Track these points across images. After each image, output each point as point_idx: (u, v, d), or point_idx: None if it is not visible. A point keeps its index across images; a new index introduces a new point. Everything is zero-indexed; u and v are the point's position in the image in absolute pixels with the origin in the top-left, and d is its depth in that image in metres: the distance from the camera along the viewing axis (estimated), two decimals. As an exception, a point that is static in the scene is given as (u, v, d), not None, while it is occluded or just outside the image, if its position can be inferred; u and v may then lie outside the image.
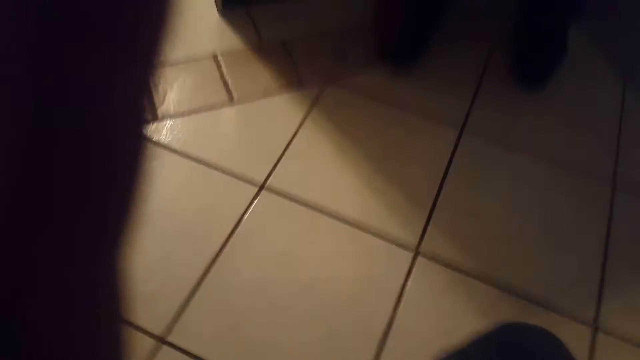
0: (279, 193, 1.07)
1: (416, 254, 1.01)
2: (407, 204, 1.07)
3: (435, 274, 0.99)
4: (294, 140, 1.15)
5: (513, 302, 0.96)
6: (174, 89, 1.23)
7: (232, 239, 1.01)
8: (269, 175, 1.10)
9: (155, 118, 1.18)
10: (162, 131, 1.15)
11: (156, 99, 1.21)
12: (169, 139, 1.14)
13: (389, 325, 0.92)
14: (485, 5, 1.40)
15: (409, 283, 0.97)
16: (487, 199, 1.09)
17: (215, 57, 1.29)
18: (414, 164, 1.13)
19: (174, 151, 1.13)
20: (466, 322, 0.93)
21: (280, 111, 1.20)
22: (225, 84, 1.24)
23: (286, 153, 1.13)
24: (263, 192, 1.07)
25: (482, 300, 0.96)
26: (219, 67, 1.27)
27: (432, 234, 1.03)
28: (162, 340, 0.89)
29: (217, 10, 1.38)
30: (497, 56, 1.32)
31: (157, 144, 1.14)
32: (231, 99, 1.22)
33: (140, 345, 0.88)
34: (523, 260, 1.02)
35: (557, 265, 1.02)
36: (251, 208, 1.05)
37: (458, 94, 1.25)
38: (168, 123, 1.17)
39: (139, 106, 0.21)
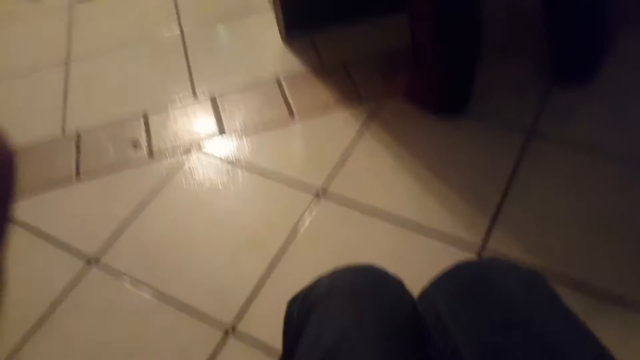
0: (338, 199, 1.09)
1: (479, 255, 0.97)
2: (469, 208, 1.04)
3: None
4: (353, 151, 1.18)
5: (586, 300, 0.88)
6: (240, 110, 1.31)
7: (293, 242, 1.03)
8: (329, 182, 1.12)
9: (222, 131, 1.26)
10: (230, 147, 1.23)
11: (223, 115, 1.29)
12: (236, 154, 1.21)
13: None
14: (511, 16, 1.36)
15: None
16: (555, 202, 1.04)
17: (278, 81, 1.36)
18: (475, 169, 1.11)
19: (241, 165, 1.19)
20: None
21: (339, 125, 1.24)
22: (287, 103, 1.31)
23: (345, 163, 1.15)
24: (323, 198, 1.09)
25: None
26: (281, 89, 1.34)
27: (496, 235, 0.99)
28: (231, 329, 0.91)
29: (281, 37, 1.48)
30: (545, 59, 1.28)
31: (225, 159, 1.20)
32: (292, 115, 1.28)
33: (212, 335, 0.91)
34: (594, 262, 0.94)
35: (631, 264, 0.93)
36: (312, 213, 1.07)
37: (517, 101, 1.22)
38: (235, 139, 1.24)
39: None
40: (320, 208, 1.08)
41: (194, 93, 1.38)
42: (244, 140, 1.24)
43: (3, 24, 1.75)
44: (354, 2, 1.44)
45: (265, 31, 1.51)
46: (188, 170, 1.20)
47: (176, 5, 1.68)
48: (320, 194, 1.10)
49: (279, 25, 1.47)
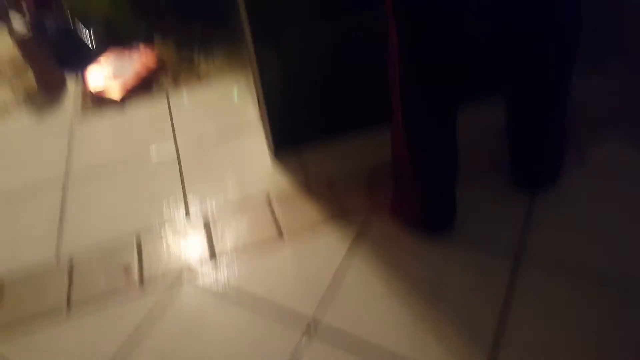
0: (330, 333, 1.08)
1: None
2: (464, 343, 1.02)
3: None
4: (343, 278, 1.18)
5: None
6: (231, 231, 1.33)
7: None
8: (320, 313, 1.11)
9: (213, 255, 1.27)
10: (220, 275, 1.23)
11: (214, 237, 1.31)
12: (226, 283, 1.21)
13: None
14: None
15: None
16: (551, 331, 1.02)
17: (268, 199, 1.40)
18: (467, 297, 1.10)
19: (231, 297, 1.19)
20: None
21: (328, 246, 1.25)
22: (276, 222, 1.33)
23: (336, 290, 1.15)
24: (314, 332, 1.08)
25: None
26: (271, 207, 1.37)
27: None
28: None
29: (270, 154, 1.53)
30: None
31: (215, 290, 1.21)
32: (281, 236, 1.29)
33: None
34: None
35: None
36: (301, 344, 1.05)
37: (501, 220, 1.23)
38: (225, 265, 1.25)
39: None
40: (312, 346, 1.06)
41: (187, 213, 1.41)
42: (235, 266, 1.25)
43: (4, 143, 1.83)
44: (341, 118, 1.50)
45: (256, 148, 1.56)
46: (178, 302, 1.20)
47: (172, 125, 1.75)
48: (312, 326, 1.09)
49: (268, 143, 1.53)
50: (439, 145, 1.12)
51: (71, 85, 2.05)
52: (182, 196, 1.47)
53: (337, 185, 1.40)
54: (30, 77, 2.09)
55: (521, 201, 1.25)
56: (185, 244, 1.33)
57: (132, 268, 1.29)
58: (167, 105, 1.85)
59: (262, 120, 1.43)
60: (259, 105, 1.39)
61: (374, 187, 1.37)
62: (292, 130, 1.49)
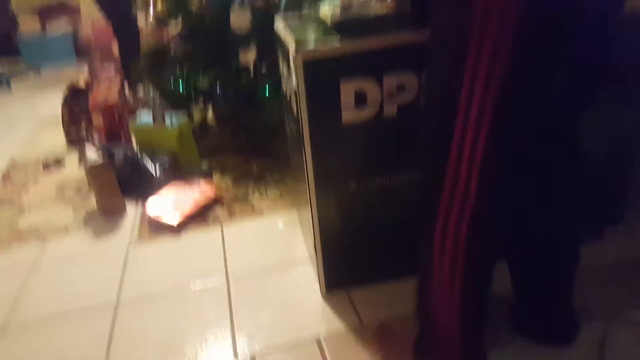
0: None
1: None
2: None
3: None
4: None
5: None
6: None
7: None
8: None
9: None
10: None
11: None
12: None
13: None
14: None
15: None
16: None
17: (319, 342, 1.37)
18: None
19: None
20: None
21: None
22: (328, 368, 1.29)
23: None
24: None
25: None
26: (322, 352, 1.34)
27: None
28: None
29: (321, 293, 1.54)
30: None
31: None
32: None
33: None
34: None
35: None
36: None
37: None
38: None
39: None
40: None
41: (235, 353, 1.39)
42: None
43: (61, 262, 1.90)
44: (392, 262, 1.53)
45: (306, 285, 1.58)
46: None
47: (224, 254, 1.81)
48: None
49: (319, 280, 1.55)
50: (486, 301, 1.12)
51: (131, 211, 2.18)
52: (230, 332, 1.46)
53: (391, 330, 1.37)
54: (92, 201, 2.23)
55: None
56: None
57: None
58: (220, 235, 1.93)
59: (317, 257, 1.47)
60: (314, 245, 1.45)
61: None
62: (343, 269, 1.51)
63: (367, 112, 1.29)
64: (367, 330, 1.39)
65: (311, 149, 1.31)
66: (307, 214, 1.48)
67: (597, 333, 1.30)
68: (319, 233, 1.43)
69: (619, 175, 1.53)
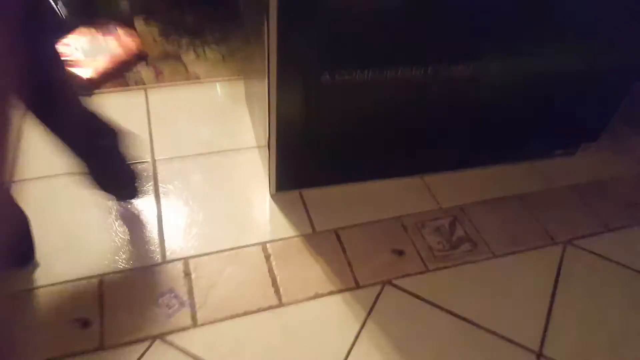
0: None
1: None
2: None
3: None
4: (350, 358, 1.02)
5: None
6: (218, 286, 1.12)
7: None
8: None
9: (194, 324, 1.06)
10: (200, 339, 1.03)
11: (196, 297, 1.09)
12: (206, 350, 1.01)
13: None
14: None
15: None
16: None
17: (264, 247, 1.20)
18: None
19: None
20: None
21: (334, 317, 1.08)
22: (274, 282, 1.14)
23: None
24: None
25: None
26: (267, 259, 1.18)
27: None
28: None
29: (269, 191, 1.32)
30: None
31: (192, 355, 1.00)
32: (279, 300, 1.11)
33: None
34: None
35: None
36: None
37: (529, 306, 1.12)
38: (208, 329, 1.05)
39: None
40: None
41: (164, 258, 1.18)
42: (218, 328, 1.05)
43: None
44: (353, 165, 1.33)
45: (252, 178, 1.35)
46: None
47: (149, 129, 1.48)
48: None
49: (269, 178, 1.32)
50: None
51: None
52: (156, 234, 1.23)
53: (346, 242, 1.23)
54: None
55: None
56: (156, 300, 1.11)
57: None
58: (145, 102, 1.58)
59: (269, 154, 1.22)
60: (267, 137, 1.19)
61: (389, 249, 1.21)
62: (297, 171, 1.29)
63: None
64: (319, 238, 1.23)
65: (278, 17, 0.96)
66: (258, 89, 1.19)
67: (556, 259, 1.24)
68: (275, 129, 1.16)
69: (599, 92, 1.37)
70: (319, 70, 1.06)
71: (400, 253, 1.21)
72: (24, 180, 1.30)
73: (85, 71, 1.59)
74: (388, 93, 1.15)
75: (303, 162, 1.28)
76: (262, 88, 1.12)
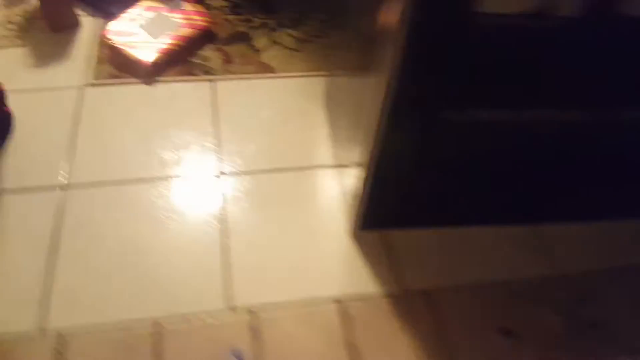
0: None
1: None
2: None
3: None
4: None
5: None
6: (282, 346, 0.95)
7: None
8: None
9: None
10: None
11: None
12: None
13: None
14: None
15: None
16: None
17: (339, 303, 1.00)
18: None
19: None
20: None
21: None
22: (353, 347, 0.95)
23: None
24: None
25: None
26: (344, 321, 0.98)
27: None
28: None
29: (352, 229, 1.11)
30: None
31: None
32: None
33: None
34: None
35: None
36: None
37: None
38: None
39: None
40: None
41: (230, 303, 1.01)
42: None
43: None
44: (456, 208, 1.09)
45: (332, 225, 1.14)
46: None
47: (216, 124, 1.29)
48: None
49: (353, 215, 1.11)
50: None
51: (86, 29, 1.54)
52: (218, 234, 1.06)
53: (439, 304, 1.01)
54: (34, 7, 1.56)
55: None
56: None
57: None
58: (210, 96, 1.38)
59: (363, 184, 1.00)
60: (367, 166, 0.96)
61: (494, 328, 0.99)
62: (386, 207, 1.07)
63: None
64: (407, 297, 1.02)
65: (406, 42, 0.71)
66: (354, 99, 0.96)
67: None
68: (376, 159, 0.92)
69: None
70: (446, 105, 0.82)
71: (507, 333, 0.99)
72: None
73: (149, 54, 1.40)
74: (523, 134, 0.89)
75: (397, 199, 1.05)
76: (363, 102, 0.89)
